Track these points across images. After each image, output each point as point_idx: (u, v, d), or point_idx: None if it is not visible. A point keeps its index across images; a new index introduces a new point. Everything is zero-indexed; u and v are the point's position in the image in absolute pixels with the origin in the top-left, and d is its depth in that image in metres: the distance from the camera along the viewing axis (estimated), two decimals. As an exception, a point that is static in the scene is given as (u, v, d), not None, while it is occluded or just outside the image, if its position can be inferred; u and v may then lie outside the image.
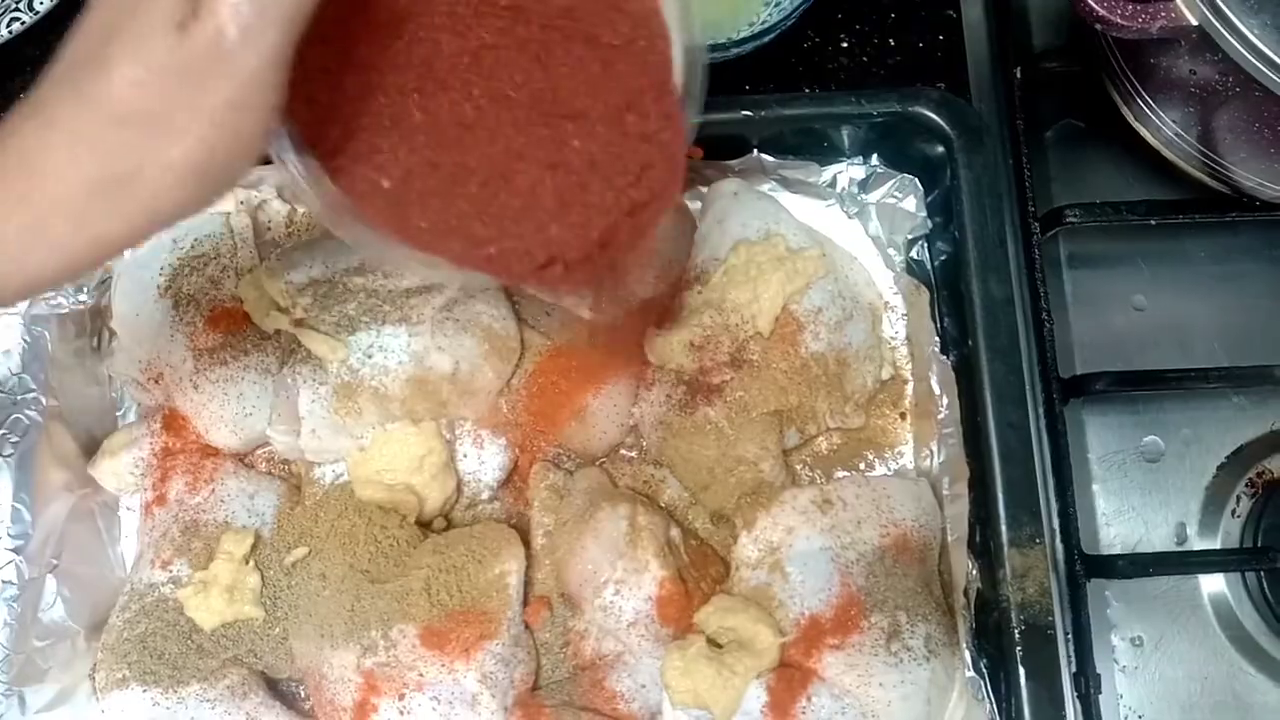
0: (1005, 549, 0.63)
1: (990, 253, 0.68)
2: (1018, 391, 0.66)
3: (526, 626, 0.66)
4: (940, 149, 0.70)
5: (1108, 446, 0.76)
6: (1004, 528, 0.64)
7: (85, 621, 0.68)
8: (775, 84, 0.79)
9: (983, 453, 0.65)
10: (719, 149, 0.73)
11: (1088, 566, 0.70)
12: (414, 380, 0.66)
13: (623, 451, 0.72)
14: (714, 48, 0.73)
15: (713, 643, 0.63)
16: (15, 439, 0.66)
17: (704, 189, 0.75)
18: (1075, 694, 0.67)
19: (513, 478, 0.72)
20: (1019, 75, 0.81)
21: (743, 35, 0.72)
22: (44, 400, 0.67)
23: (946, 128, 0.70)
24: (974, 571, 0.65)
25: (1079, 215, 0.76)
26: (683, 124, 0.49)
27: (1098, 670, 0.68)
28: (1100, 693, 0.68)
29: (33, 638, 0.65)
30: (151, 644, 0.65)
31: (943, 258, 0.72)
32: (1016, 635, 0.62)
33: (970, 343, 0.67)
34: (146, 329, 0.70)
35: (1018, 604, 0.62)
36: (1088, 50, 0.79)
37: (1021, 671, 0.62)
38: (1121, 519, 0.75)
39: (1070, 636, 0.68)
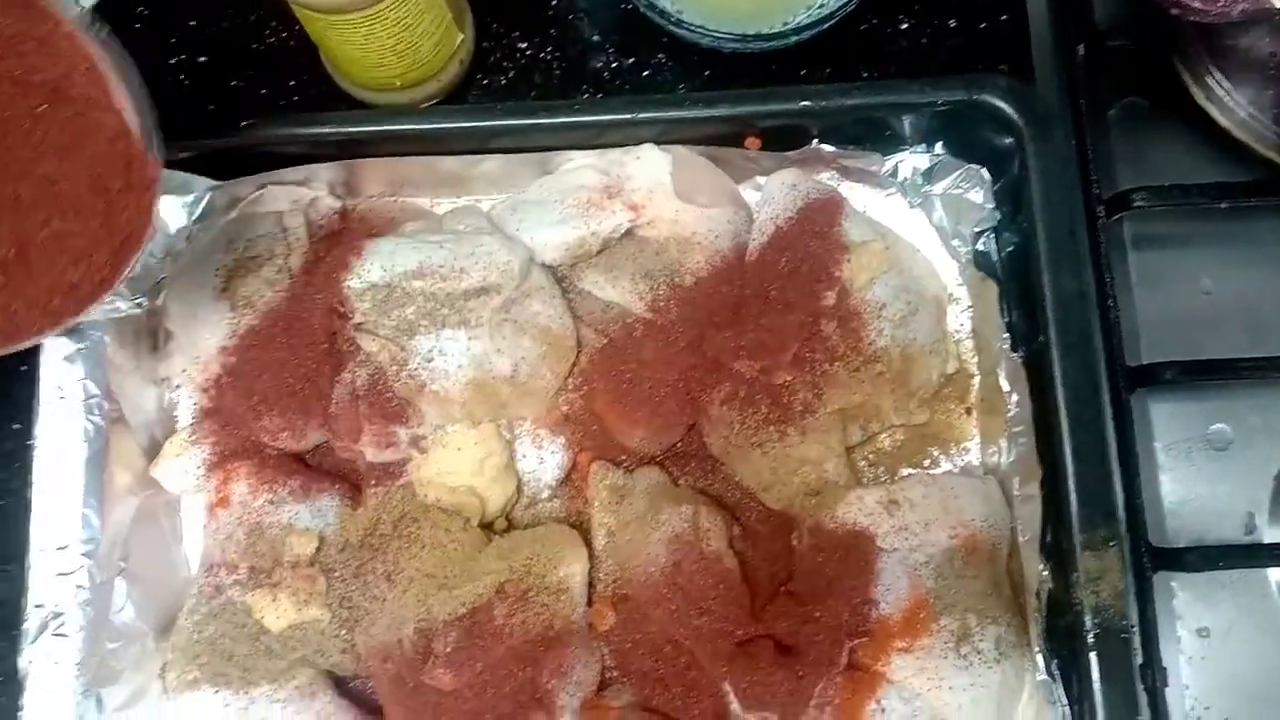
0: (1079, 551, 0.62)
1: (1061, 245, 0.66)
2: (1091, 390, 0.64)
3: (590, 627, 0.66)
4: (1008, 139, 0.68)
5: (1174, 435, 0.75)
6: (1077, 530, 0.62)
7: (154, 622, 0.68)
8: (832, 68, 0.77)
9: (1055, 453, 0.64)
10: (777, 139, 0.72)
11: (1155, 559, 0.68)
12: (474, 383, 0.66)
13: (680, 448, 0.72)
14: (771, 36, 0.71)
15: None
16: (82, 446, 0.66)
17: (762, 179, 0.74)
18: (1142, 687, 0.66)
19: (571, 475, 0.71)
20: (1082, 53, 0.79)
21: (802, 23, 0.70)
22: (106, 405, 0.67)
23: (1015, 116, 0.68)
24: (1045, 573, 0.64)
25: (1147, 199, 0.74)
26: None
27: (1164, 664, 0.67)
28: (1167, 685, 0.67)
29: (105, 640, 0.65)
30: (221, 646, 0.66)
31: (1010, 249, 0.70)
32: (1090, 639, 0.61)
33: (1041, 338, 0.65)
34: (203, 330, 0.70)
35: (1092, 607, 0.62)
36: (1155, 27, 0.76)
37: (1096, 676, 0.61)
38: (1188, 509, 0.73)
39: (1136, 629, 0.68)
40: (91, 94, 0.52)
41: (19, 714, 0.63)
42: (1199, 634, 0.71)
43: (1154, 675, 0.66)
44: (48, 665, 0.64)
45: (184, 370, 0.71)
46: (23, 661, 0.64)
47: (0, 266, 0.51)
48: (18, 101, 0.51)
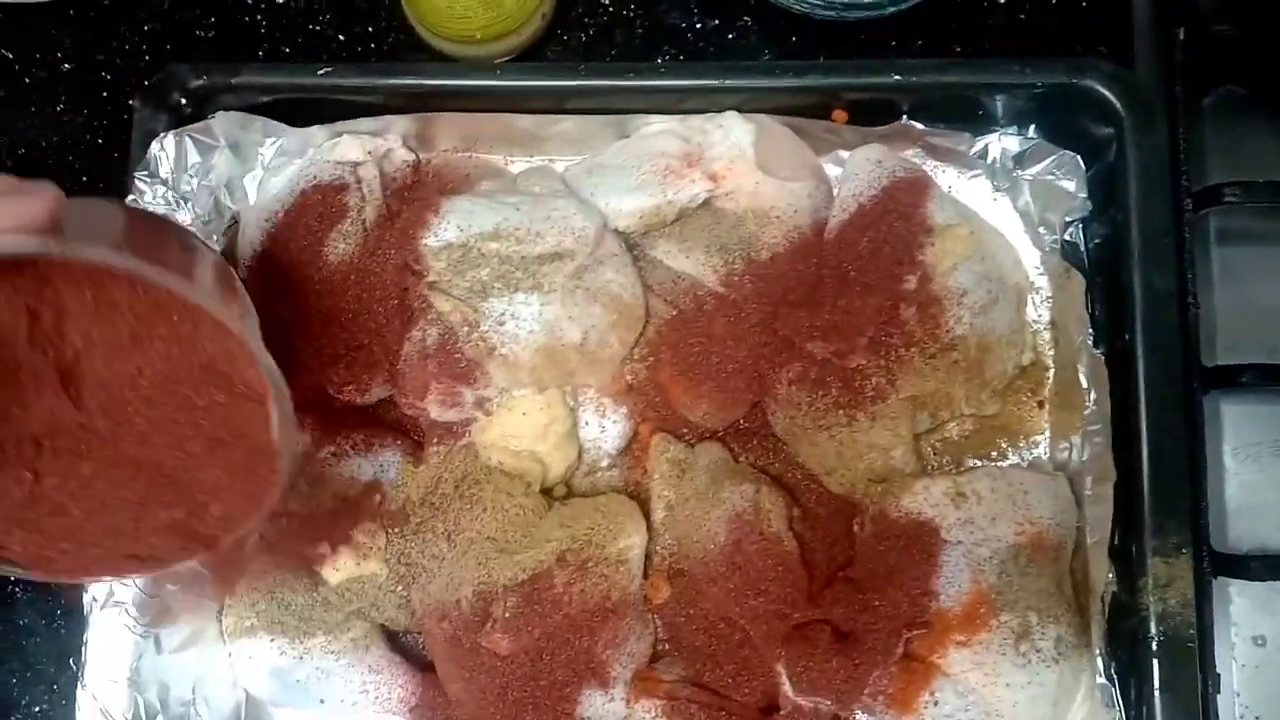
0: (1149, 557, 0.61)
1: (1155, 242, 0.64)
2: (1176, 395, 0.63)
3: (645, 599, 0.66)
4: (1107, 127, 0.66)
5: (1244, 438, 0.73)
6: (1149, 535, 0.61)
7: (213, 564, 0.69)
8: (924, 41, 0.74)
9: (1131, 455, 0.62)
10: (865, 113, 0.69)
11: (1216, 564, 0.67)
12: (544, 349, 0.65)
13: (743, 425, 0.71)
14: (867, 6, 0.69)
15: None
16: (150, 388, 0.66)
17: (844, 153, 0.71)
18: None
19: (631, 445, 0.71)
20: (1182, 37, 0.75)
21: (901, -7, 0.67)
22: (175, 348, 0.67)
23: (1117, 104, 0.65)
24: (1112, 576, 0.63)
25: (1238, 195, 0.71)
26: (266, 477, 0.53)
27: (1217, 670, 0.66)
28: (1219, 693, 0.66)
29: (166, 581, 0.66)
30: (279, 595, 0.66)
31: (1097, 241, 0.68)
32: (1154, 646, 0.61)
33: (1127, 337, 0.64)
34: (273, 278, 0.69)
35: (1158, 614, 0.61)
36: (1263, 12, 0.73)
37: (1157, 683, 0.60)
38: (1253, 514, 0.72)
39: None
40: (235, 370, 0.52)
41: (83, 649, 0.64)
42: (1254, 642, 0.70)
43: (1206, 682, 0.65)
44: (110, 604, 0.65)
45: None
46: (87, 598, 0.65)
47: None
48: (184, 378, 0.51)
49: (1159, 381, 0.63)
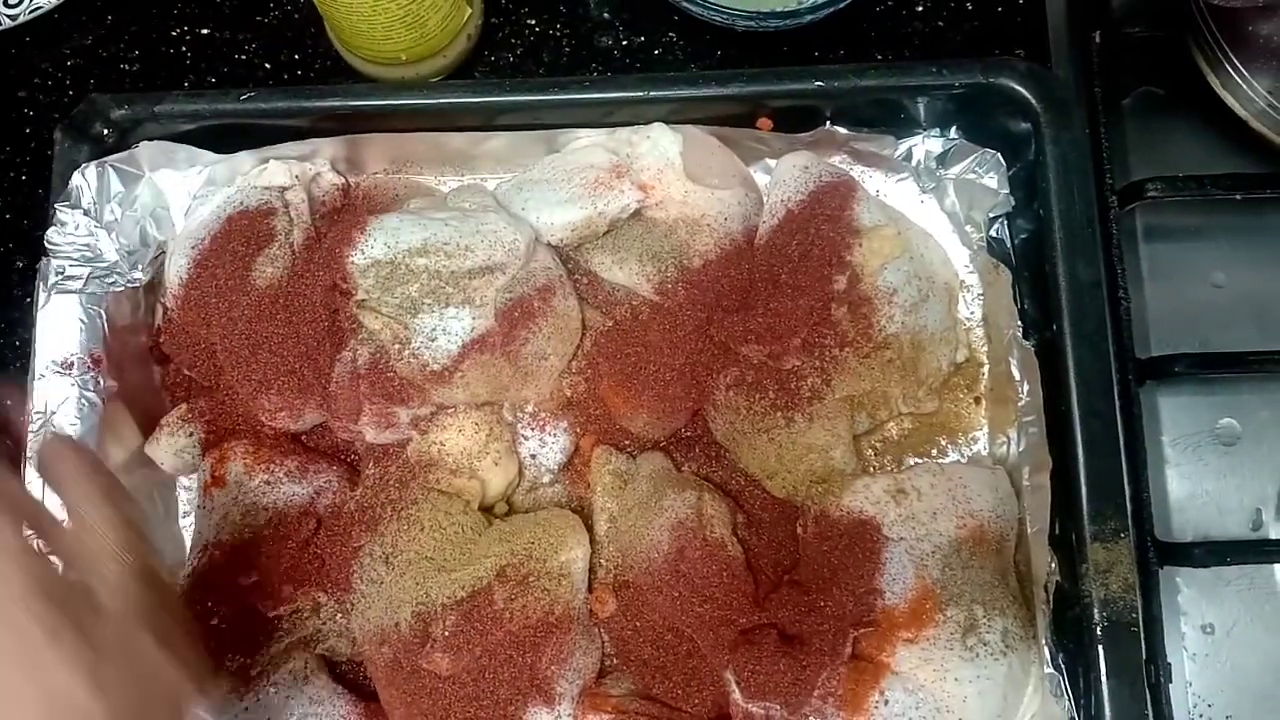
0: (1088, 543, 0.61)
1: (1077, 234, 0.65)
2: (1105, 380, 0.63)
3: (590, 614, 0.65)
4: (1025, 124, 0.67)
5: (1182, 429, 0.74)
6: (1087, 521, 0.62)
7: (146, 602, 0.67)
8: (846, 49, 0.76)
9: (1065, 443, 0.63)
10: (789, 120, 0.70)
11: (1161, 554, 0.67)
12: (478, 364, 0.64)
13: (685, 433, 0.71)
14: (785, 15, 0.70)
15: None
16: (75, 421, 0.65)
17: (772, 162, 0.72)
18: (1145, 682, 0.66)
19: (573, 460, 0.70)
20: (1098, 40, 0.77)
21: (817, 1, 0.68)
22: (102, 381, 0.66)
23: (1032, 101, 0.66)
24: (1053, 565, 0.63)
25: (1161, 189, 0.73)
26: None
27: (1167, 660, 0.66)
28: (1170, 682, 0.66)
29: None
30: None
31: (1023, 236, 0.69)
32: (1098, 632, 0.60)
33: (1055, 327, 0.64)
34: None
35: (1100, 600, 0.61)
36: (1173, 15, 0.75)
37: (1103, 669, 0.60)
38: (1195, 504, 0.73)
39: (1140, 624, 0.67)
40: None
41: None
42: (1203, 630, 0.70)
43: (1157, 671, 0.65)
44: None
45: (179, 344, 0.70)
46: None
47: None
48: None
49: (1088, 368, 0.63)
